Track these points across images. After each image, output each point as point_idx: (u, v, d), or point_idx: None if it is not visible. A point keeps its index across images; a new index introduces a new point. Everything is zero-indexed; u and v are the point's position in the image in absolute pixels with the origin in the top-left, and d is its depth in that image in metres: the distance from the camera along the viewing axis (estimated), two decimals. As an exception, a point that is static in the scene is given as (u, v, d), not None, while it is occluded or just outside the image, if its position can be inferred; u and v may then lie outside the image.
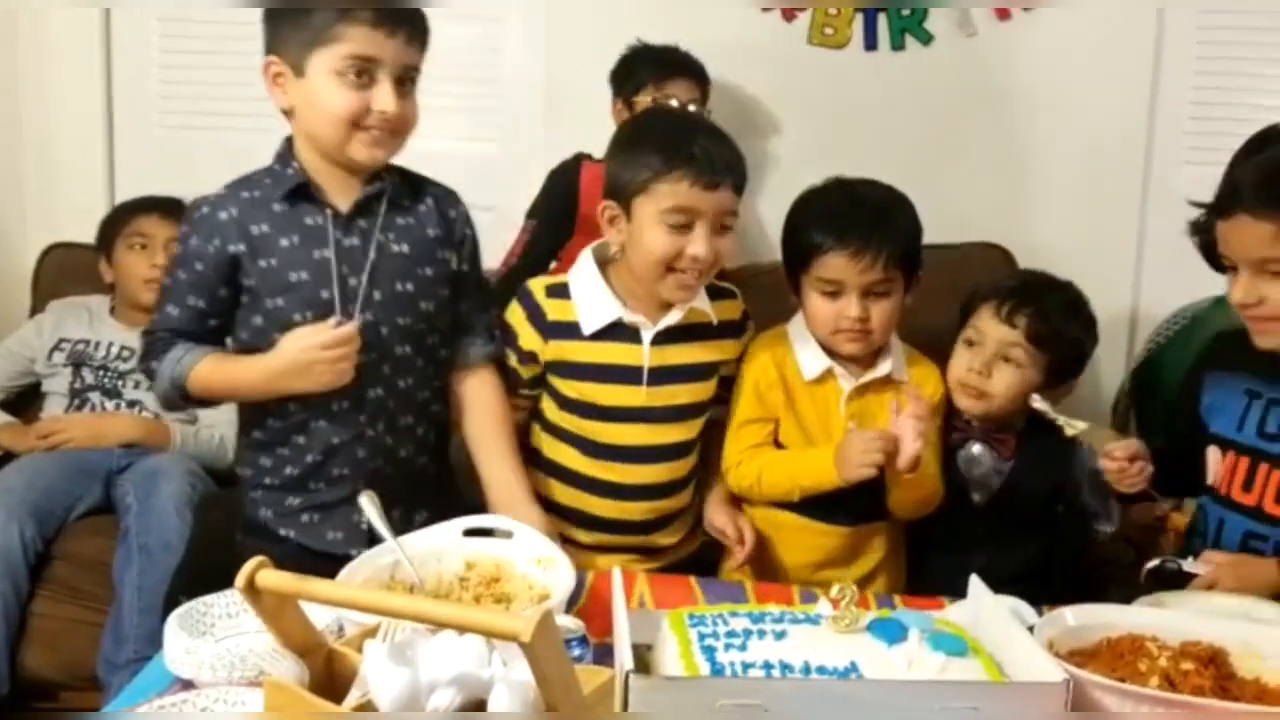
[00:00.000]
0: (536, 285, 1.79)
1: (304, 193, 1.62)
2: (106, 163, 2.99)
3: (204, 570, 1.99)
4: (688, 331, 1.77)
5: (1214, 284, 1.73)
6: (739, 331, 1.84)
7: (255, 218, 1.61)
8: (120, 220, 2.63)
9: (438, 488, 1.76)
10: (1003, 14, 2.77)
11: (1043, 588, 1.62)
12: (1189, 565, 1.61)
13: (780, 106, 2.86)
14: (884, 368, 1.79)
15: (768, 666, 1.11)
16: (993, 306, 1.80)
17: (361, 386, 1.62)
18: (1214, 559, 1.62)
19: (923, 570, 1.87)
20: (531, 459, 1.81)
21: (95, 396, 2.51)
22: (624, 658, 1.10)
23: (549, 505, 1.77)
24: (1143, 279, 2.80)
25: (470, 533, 1.53)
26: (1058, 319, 1.80)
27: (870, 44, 2.81)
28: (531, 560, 1.47)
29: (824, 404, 1.80)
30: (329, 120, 1.56)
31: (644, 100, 2.51)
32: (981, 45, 2.79)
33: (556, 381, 1.78)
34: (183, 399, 1.66)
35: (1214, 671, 1.20)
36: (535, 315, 1.76)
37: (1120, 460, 1.66)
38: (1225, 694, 1.17)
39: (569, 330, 1.75)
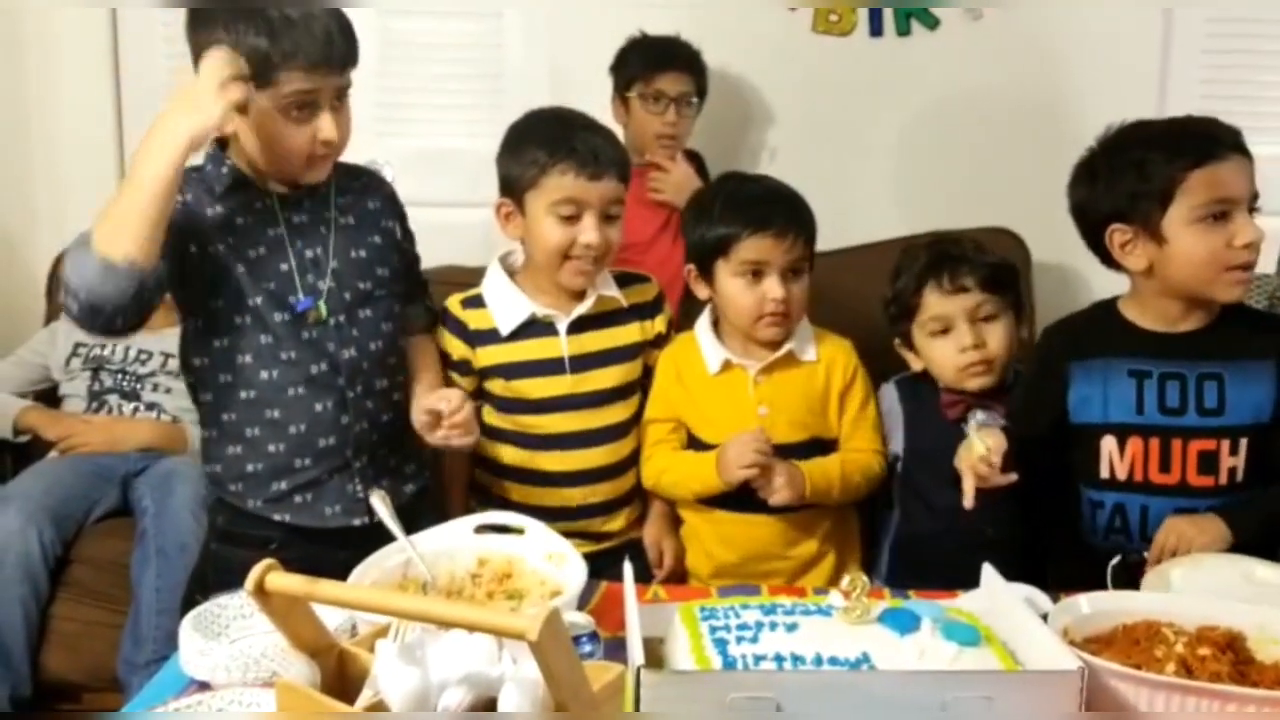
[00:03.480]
0: (452, 302, 1.89)
1: (243, 183, 1.66)
2: (117, 167, 2.99)
3: (220, 571, 2.00)
4: (601, 318, 1.87)
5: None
6: (654, 312, 1.93)
7: (207, 201, 1.64)
8: None
9: (418, 461, 1.82)
10: (1009, -3, 2.76)
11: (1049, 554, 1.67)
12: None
13: (785, 95, 2.85)
14: (786, 347, 1.85)
15: (779, 659, 1.11)
16: (934, 287, 1.84)
17: (336, 349, 1.67)
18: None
19: (934, 546, 1.85)
20: (475, 461, 1.90)
21: (114, 399, 2.53)
22: (635, 653, 1.10)
23: (491, 500, 1.86)
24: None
25: (482, 529, 1.54)
26: (983, 257, 1.86)
27: (875, 30, 2.79)
28: (543, 556, 1.47)
29: (733, 394, 1.86)
30: (281, 157, 1.62)
31: (634, 95, 2.50)
32: (988, 29, 2.77)
33: (489, 385, 1.86)
34: (97, 272, 1.42)
35: (1231, 657, 1.19)
36: (458, 329, 1.86)
37: (998, 465, 1.59)
38: (1243, 679, 1.16)
39: (490, 336, 1.85)
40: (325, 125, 1.60)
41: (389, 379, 1.74)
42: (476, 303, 1.87)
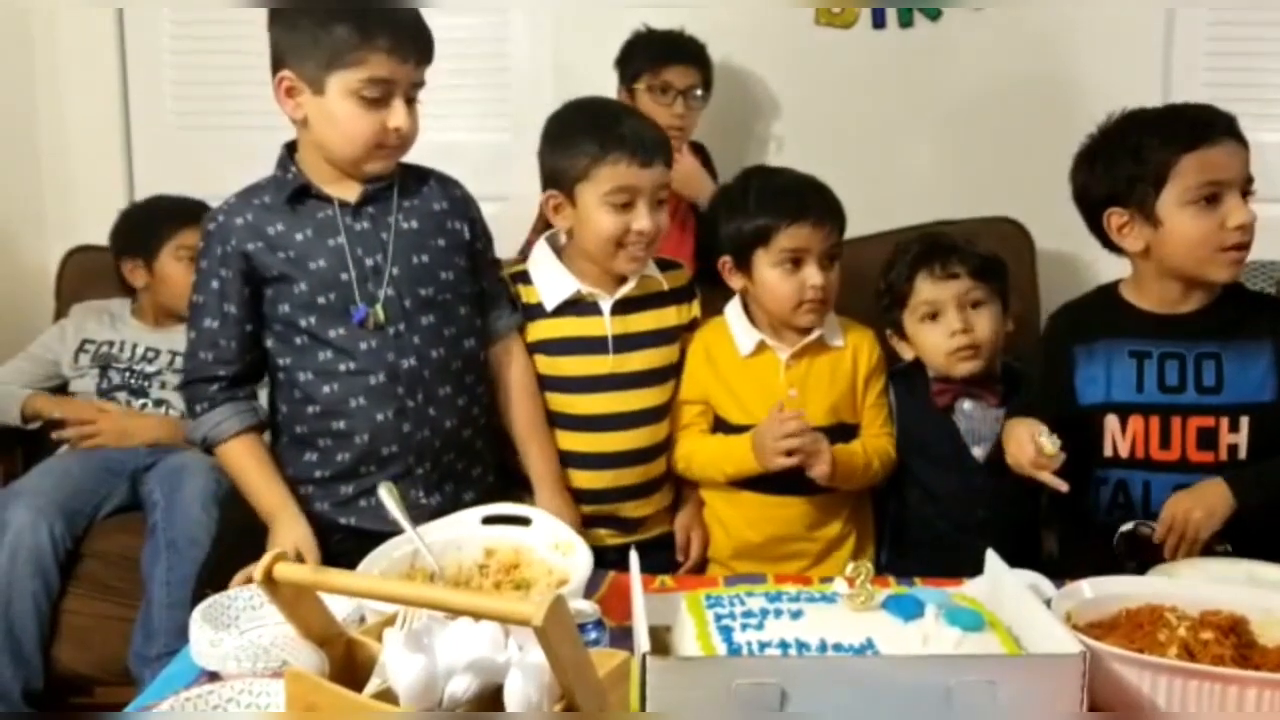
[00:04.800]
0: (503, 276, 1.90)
1: (307, 192, 1.69)
2: (124, 165, 3.01)
3: (230, 565, 2.01)
4: (644, 300, 1.90)
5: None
6: (689, 297, 1.97)
7: (269, 219, 1.68)
8: (167, 230, 2.58)
9: (486, 465, 1.82)
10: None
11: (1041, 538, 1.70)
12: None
13: (789, 87, 2.85)
14: (817, 332, 1.88)
15: (784, 645, 1.12)
16: (925, 274, 1.89)
17: (394, 359, 1.68)
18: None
19: (927, 529, 1.89)
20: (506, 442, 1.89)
21: (122, 396, 2.54)
22: (641, 640, 1.11)
23: (518, 482, 1.86)
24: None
25: (489, 520, 1.55)
26: (974, 247, 1.91)
27: (878, 22, 2.79)
28: (550, 546, 1.49)
29: (764, 377, 1.89)
30: (350, 141, 1.65)
31: (641, 87, 2.51)
32: (991, 20, 2.76)
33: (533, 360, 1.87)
34: (208, 452, 1.80)
35: (1234, 640, 1.19)
36: None
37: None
38: (1246, 663, 1.17)
39: (535, 311, 1.88)
40: (398, 113, 1.64)
41: (453, 385, 1.74)
42: (523, 278, 1.90)
